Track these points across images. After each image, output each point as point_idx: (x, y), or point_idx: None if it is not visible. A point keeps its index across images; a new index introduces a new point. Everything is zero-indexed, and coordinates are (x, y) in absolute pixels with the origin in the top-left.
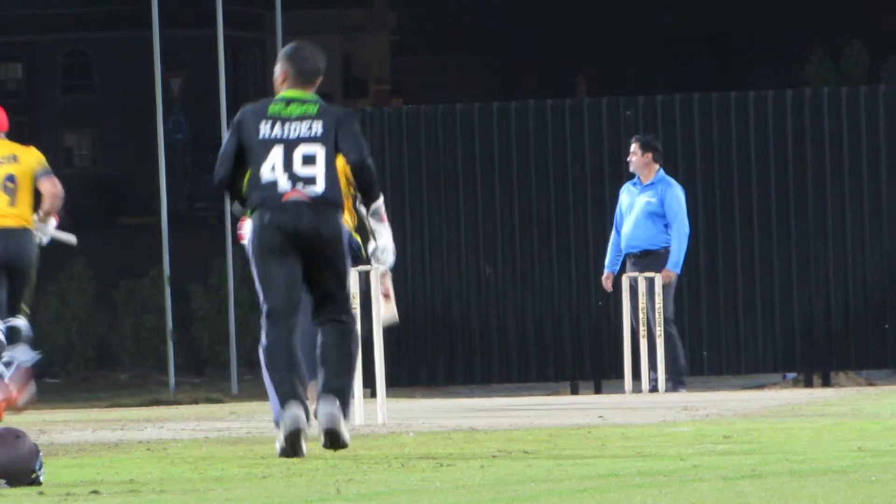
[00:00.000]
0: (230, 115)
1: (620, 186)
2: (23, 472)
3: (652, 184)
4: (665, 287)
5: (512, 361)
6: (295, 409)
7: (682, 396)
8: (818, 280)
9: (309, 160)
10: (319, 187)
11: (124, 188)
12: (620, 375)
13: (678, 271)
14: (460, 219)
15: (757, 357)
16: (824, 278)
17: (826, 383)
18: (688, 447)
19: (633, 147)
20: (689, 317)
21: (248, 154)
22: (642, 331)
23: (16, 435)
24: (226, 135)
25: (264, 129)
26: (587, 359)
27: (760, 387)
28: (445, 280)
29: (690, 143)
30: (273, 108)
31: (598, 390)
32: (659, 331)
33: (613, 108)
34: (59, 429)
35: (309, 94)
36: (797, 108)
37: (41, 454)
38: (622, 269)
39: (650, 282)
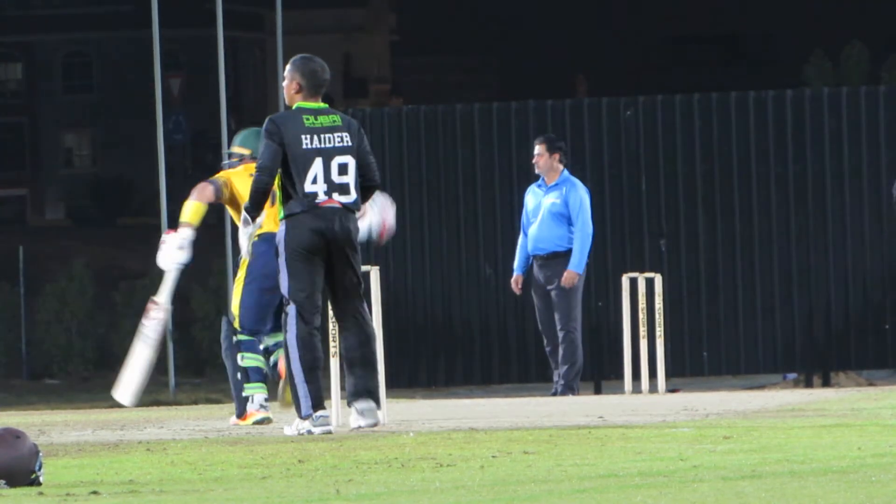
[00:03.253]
0: (230, 115)
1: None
2: (23, 473)
3: (557, 184)
4: (569, 290)
5: (512, 362)
6: (327, 413)
7: (682, 397)
8: (818, 280)
9: (343, 169)
10: (352, 196)
11: (124, 188)
12: (620, 376)
13: (581, 272)
14: (460, 219)
15: (757, 357)
16: (824, 278)
17: (826, 383)
18: (688, 447)
19: (540, 149)
20: (688, 317)
21: (287, 162)
22: (643, 332)
23: (16, 435)
24: (263, 145)
25: (306, 141)
26: (587, 359)
27: (760, 387)
28: (445, 280)
29: (691, 144)
30: (308, 121)
31: (598, 391)
32: (659, 331)
33: (613, 109)
34: (58, 429)
35: (323, 104)
36: (797, 109)
37: (41, 454)
38: (529, 272)
39: (557, 286)
